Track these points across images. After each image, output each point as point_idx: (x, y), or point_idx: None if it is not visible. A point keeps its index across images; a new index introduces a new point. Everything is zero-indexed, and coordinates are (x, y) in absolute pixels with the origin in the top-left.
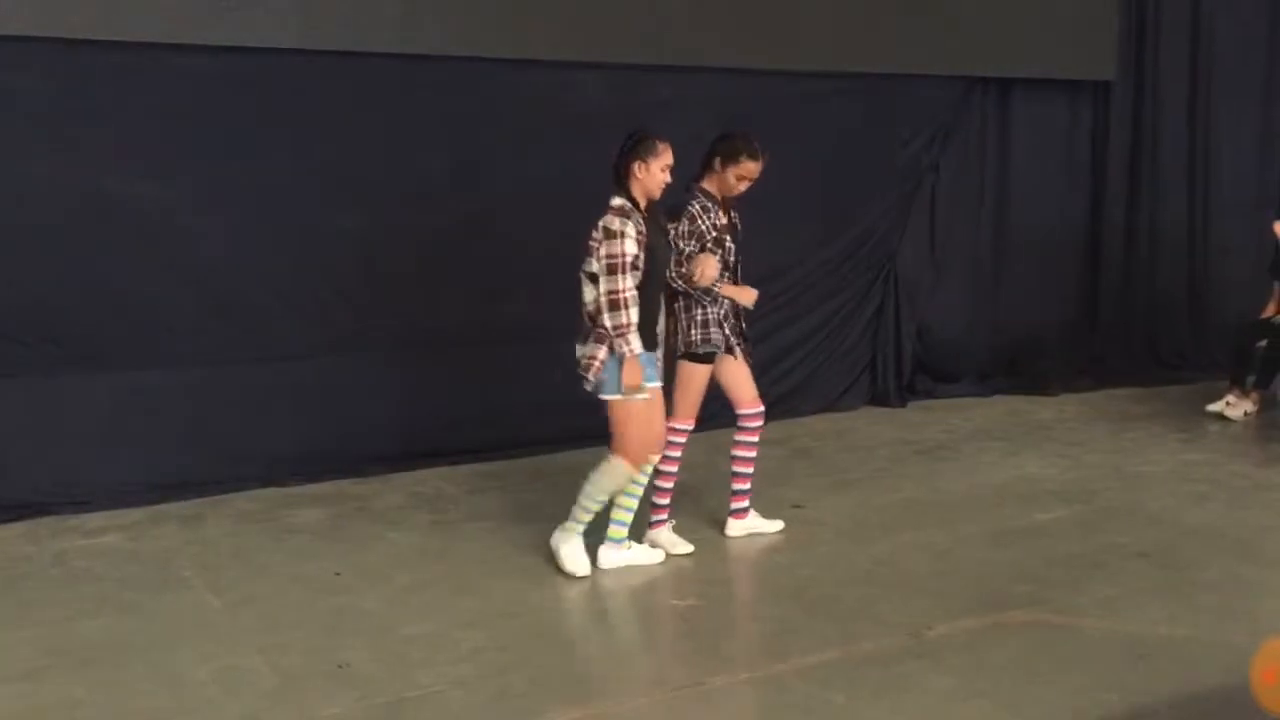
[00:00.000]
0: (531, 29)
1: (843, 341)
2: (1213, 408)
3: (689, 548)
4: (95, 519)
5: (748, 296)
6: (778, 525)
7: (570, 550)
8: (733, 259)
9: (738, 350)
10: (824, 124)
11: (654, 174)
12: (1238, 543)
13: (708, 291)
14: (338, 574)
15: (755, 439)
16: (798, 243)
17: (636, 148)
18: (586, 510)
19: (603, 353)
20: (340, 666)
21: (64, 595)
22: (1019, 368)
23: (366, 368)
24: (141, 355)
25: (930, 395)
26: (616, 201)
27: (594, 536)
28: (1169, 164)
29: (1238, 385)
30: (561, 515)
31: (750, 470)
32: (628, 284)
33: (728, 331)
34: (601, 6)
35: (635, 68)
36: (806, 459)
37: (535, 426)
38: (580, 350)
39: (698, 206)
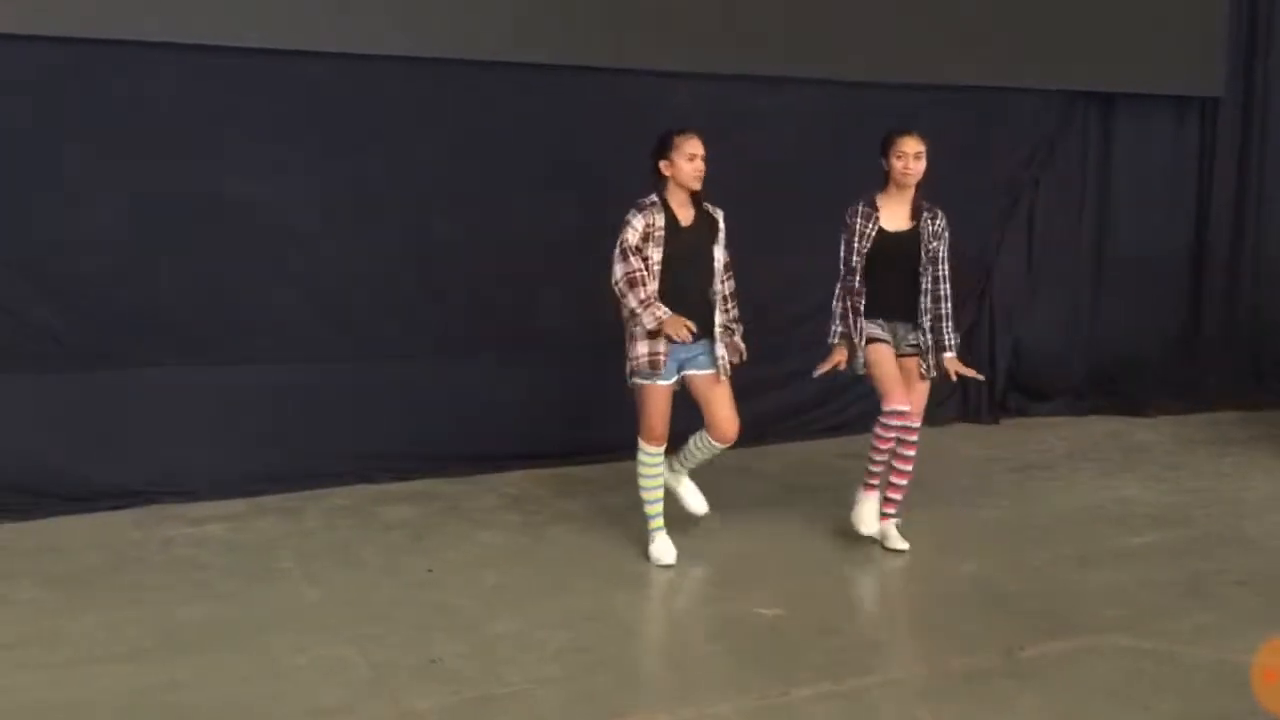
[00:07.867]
0: (628, 39)
1: None
2: None
3: (903, 545)
4: (200, 508)
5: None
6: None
7: (655, 545)
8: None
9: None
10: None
11: (680, 166)
12: None
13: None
14: (430, 570)
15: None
16: None
17: (658, 148)
18: (645, 502)
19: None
20: (432, 661)
21: (169, 580)
22: (1116, 387)
23: (461, 370)
24: (248, 352)
25: (1023, 413)
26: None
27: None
28: (1276, 182)
29: None
30: (643, 521)
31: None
32: (632, 266)
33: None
34: (696, 17)
35: (728, 78)
36: None
37: (624, 431)
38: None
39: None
